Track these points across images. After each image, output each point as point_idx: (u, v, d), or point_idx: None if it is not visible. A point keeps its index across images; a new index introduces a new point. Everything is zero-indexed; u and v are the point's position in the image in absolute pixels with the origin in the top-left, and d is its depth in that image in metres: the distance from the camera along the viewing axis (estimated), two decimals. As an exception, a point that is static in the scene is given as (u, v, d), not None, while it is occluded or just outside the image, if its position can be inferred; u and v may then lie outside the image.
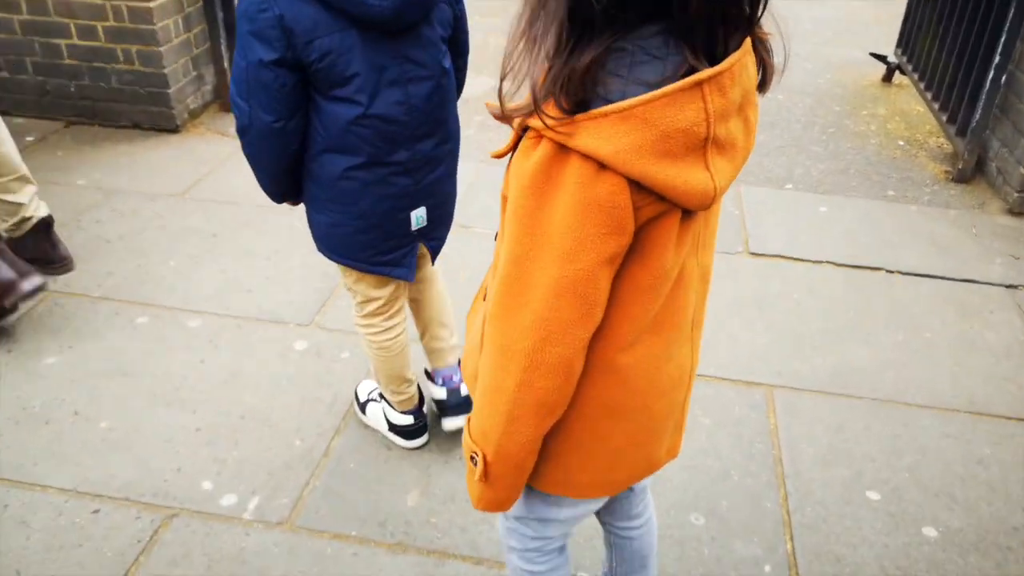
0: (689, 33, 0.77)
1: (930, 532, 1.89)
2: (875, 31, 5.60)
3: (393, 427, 2.05)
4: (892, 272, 2.88)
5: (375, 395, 2.09)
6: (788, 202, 3.35)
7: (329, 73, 1.45)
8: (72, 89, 3.74)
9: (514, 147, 0.87)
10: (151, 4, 3.45)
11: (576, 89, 0.76)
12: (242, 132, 1.51)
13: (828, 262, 2.92)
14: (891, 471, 2.06)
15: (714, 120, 0.79)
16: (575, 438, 1.02)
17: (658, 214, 0.84)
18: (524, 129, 0.84)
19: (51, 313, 2.52)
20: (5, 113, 3.80)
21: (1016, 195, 3.23)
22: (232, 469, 1.99)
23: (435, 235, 1.77)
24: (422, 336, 2.05)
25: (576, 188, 0.79)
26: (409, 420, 2.02)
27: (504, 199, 0.92)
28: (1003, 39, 3.21)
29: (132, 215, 3.08)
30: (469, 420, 1.02)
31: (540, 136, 0.80)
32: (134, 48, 3.58)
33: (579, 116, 0.77)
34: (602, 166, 0.77)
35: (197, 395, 2.22)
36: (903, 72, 4.50)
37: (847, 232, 3.12)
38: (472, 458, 1.01)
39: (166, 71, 3.63)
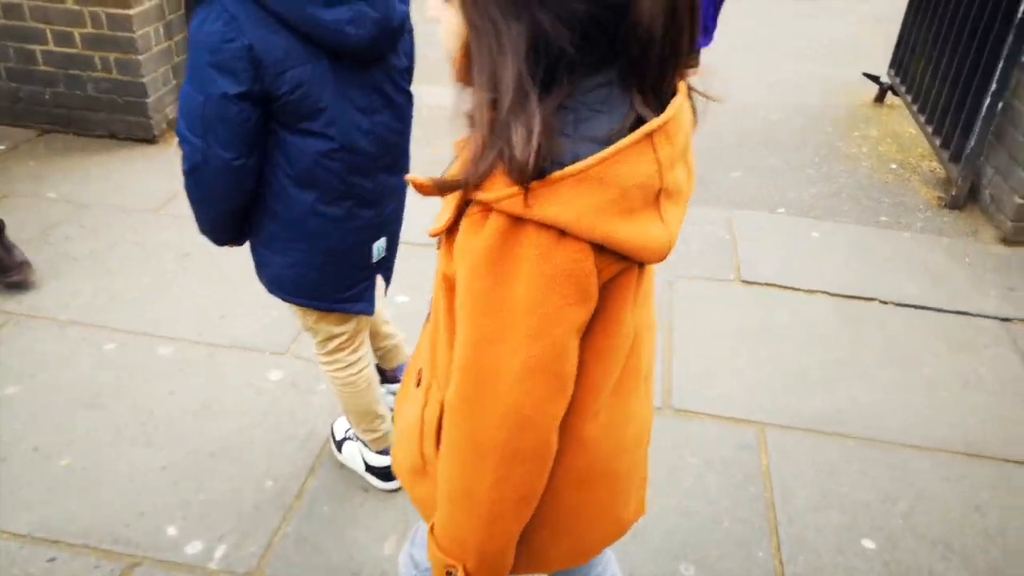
0: (642, 78, 0.73)
1: (927, 586, 1.83)
2: (869, 50, 5.55)
3: (370, 468, 1.96)
4: (886, 303, 2.82)
5: (351, 433, 2.00)
6: (780, 227, 3.28)
7: (300, 105, 1.37)
8: (47, 97, 3.62)
9: (454, 222, 0.78)
10: (131, 11, 3.35)
11: (534, 155, 0.69)
12: (192, 170, 1.39)
13: (821, 292, 2.86)
14: (886, 517, 1.99)
15: (665, 170, 0.75)
16: (543, 514, 0.93)
17: (617, 273, 0.78)
18: (465, 203, 0.76)
19: (14, 338, 2.41)
20: (-25, 120, 3.69)
21: (1010, 224, 3.18)
22: (198, 512, 1.89)
23: (389, 265, 1.74)
24: (371, 340, 1.98)
25: (537, 260, 0.72)
26: (386, 461, 1.93)
27: (446, 280, 0.83)
28: (1000, 66, 3.16)
29: (104, 230, 2.97)
30: (433, 530, 0.93)
31: (488, 209, 0.73)
32: (112, 56, 3.47)
33: (534, 184, 0.70)
34: (563, 233, 0.71)
35: (165, 430, 2.11)
36: (896, 93, 4.46)
37: (840, 260, 3.05)
38: (449, 574, 0.91)
39: (144, 80, 3.52)
